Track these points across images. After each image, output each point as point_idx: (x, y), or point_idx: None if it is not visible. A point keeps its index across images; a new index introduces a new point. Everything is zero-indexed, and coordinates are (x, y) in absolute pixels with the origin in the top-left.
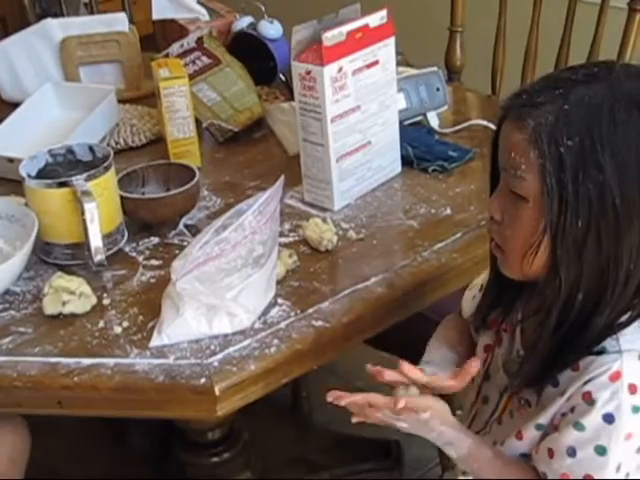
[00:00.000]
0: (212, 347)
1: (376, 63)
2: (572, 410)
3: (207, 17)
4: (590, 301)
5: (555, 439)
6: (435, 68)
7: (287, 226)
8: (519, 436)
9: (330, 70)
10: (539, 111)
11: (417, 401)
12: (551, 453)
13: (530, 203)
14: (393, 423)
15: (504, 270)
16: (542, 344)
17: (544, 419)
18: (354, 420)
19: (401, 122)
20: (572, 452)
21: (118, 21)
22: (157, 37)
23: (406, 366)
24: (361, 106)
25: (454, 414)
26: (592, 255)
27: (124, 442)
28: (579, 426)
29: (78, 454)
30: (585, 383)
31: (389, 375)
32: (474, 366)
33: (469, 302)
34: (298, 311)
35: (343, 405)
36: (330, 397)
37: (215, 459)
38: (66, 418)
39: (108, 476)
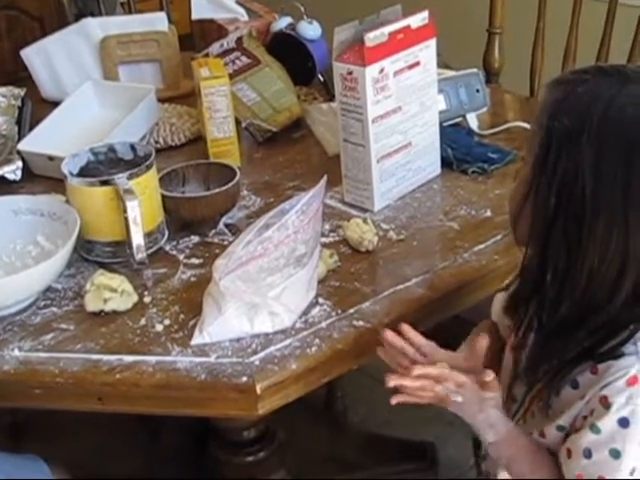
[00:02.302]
0: (253, 346)
1: (417, 64)
2: (591, 413)
3: (246, 17)
4: (557, 286)
5: (574, 440)
6: (475, 70)
7: (327, 226)
8: (542, 435)
9: (372, 71)
10: (565, 87)
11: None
12: (569, 453)
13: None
14: (448, 397)
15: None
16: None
17: (564, 421)
18: (394, 401)
19: (441, 123)
20: (588, 453)
21: (157, 20)
22: (195, 37)
23: (405, 326)
24: (402, 107)
25: None
26: (559, 237)
27: (159, 440)
28: (595, 429)
29: (113, 452)
30: (603, 387)
31: (391, 336)
32: (480, 341)
33: (500, 303)
34: (339, 311)
35: (411, 380)
36: (391, 384)
37: (250, 458)
38: (101, 416)
39: (143, 474)
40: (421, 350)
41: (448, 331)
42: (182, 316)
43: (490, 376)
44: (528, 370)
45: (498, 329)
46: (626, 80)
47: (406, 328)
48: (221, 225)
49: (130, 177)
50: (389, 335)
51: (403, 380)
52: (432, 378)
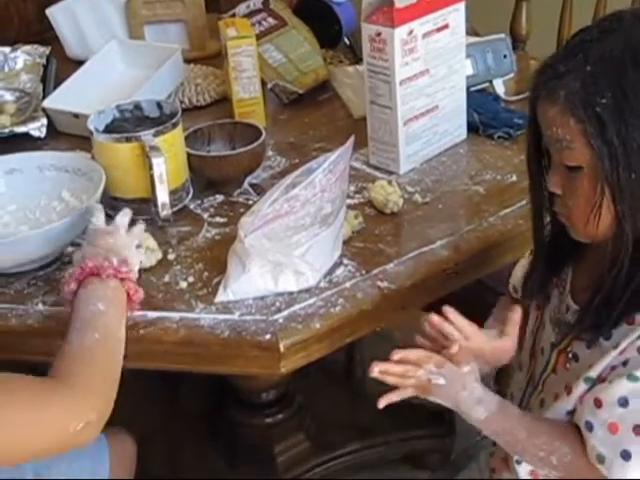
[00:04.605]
0: (277, 304)
1: (446, 27)
2: (624, 364)
3: None
4: None
5: (604, 389)
6: (502, 35)
7: (352, 188)
8: (568, 391)
9: (400, 32)
10: (565, 80)
11: (465, 352)
12: (598, 403)
13: (585, 169)
14: (431, 381)
15: (575, 236)
16: (615, 296)
17: (594, 372)
18: (380, 405)
19: (467, 88)
20: (624, 402)
21: None
22: None
23: (449, 309)
24: (430, 70)
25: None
26: None
27: (178, 400)
28: (633, 378)
29: (131, 411)
30: None
31: (438, 321)
32: (515, 311)
33: (519, 270)
34: (363, 272)
35: (389, 374)
36: (376, 371)
37: (269, 420)
38: (121, 374)
39: (160, 434)
40: (463, 333)
41: (467, 296)
42: (206, 274)
43: (454, 348)
44: (578, 326)
45: (511, 300)
46: (620, 24)
47: (449, 310)
48: (246, 185)
49: (156, 134)
50: (436, 320)
51: (388, 365)
52: (411, 362)
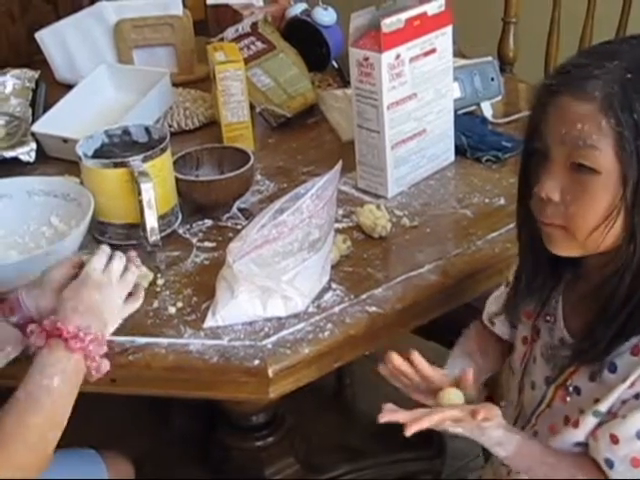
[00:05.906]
0: (266, 329)
1: (433, 51)
2: (636, 397)
3: (261, 2)
4: None
5: (619, 424)
6: (490, 58)
7: (341, 212)
8: (575, 424)
9: (388, 57)
10: (601, 82)
11: (489, 411)
12: (615, 439)
13: (602, 174)
14: (448, 427)
15: (561, 249)
16: (613, 313)
17: (604, 407)
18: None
19: (455, 111)
20: None
21: (172, 5)
22: (209, 22)
23: (415, 355)
24: (417, 94)
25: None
26: None
27: (167, 424)
28: None
29: (120, 435)
30: None
31: (398, 362)
32: (467, 374)
33: (492, 302)
34: (352, 296)
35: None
36: (385, 417)
37: (259, 443)
38: (110, 399)
39: (150, 458)
40: (424, 376)
41: (457, 320)
42: (195, 299)
43: (480, 415)
44: (576, 353)
45: (487, 333)
46: None
47: (416, 356)
48: (234, 209)
49: (145, 159)
50: (397, 361)
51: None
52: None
